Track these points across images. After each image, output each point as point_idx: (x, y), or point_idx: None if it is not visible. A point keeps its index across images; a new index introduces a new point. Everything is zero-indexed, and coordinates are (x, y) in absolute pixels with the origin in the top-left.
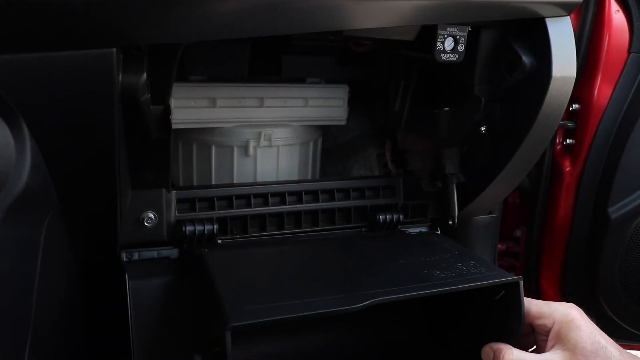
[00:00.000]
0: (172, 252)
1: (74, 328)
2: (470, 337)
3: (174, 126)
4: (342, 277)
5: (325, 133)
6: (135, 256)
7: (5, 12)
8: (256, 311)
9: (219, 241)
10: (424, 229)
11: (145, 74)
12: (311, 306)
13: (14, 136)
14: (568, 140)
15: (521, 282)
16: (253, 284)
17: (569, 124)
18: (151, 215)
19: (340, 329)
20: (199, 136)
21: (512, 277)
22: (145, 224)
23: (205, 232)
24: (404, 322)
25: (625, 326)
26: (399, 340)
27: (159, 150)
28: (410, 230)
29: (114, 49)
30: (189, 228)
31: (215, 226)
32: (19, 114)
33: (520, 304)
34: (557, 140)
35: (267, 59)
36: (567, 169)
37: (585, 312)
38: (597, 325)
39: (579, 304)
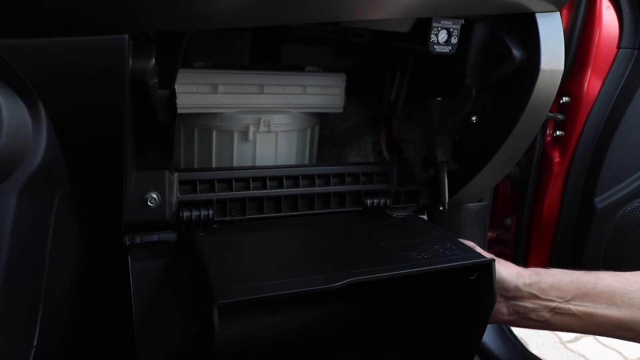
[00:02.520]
0: (172, 236)
1: (79, 304)
2: (450, 314)
3: None
4: (324, 258)
5: (323, 120)
6: (137, 239)
7: (28, 1)
8: (241, 290)
9: (215, 226)
10: (410, 213)
11: (153, 60)
12: (292, 285)
13: (32, 116)
14: (558, 132)
15: (494, 264)
16: (241, 265)
17: (559, 116)
18: (154, 195)
19: (327, 307)
20: (201, 121)
21: (484, 259)
22: (149, 204)
23: (202, 216)
24: (388, 300)
25: None
26: (384, 317)
27: (164, 132)
28: (397, 214)
29: (126, 35)
30: (186, 214)
31: (210, 211)
32: (37, 95)
33: (492, 283)
34: (548, 132)
35: (268, 48)
36: (557, 160)
37: None
38: None
39: None
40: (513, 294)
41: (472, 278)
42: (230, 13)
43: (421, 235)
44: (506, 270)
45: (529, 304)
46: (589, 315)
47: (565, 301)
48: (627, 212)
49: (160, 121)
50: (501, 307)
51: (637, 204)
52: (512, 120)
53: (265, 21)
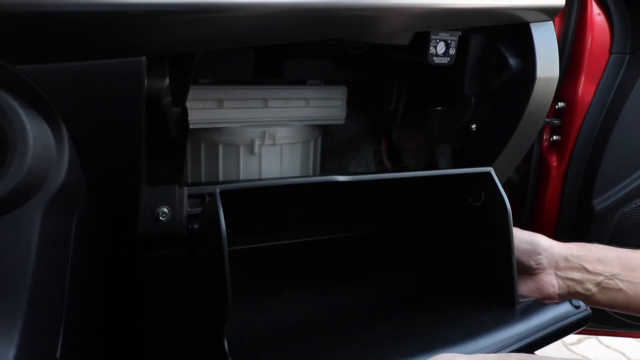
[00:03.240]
0: (183, 249)
1: (96, 317)
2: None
3: None
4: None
5: (325, 132)
6: (150, 253)
7: (54, 28)
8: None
9: None
10: None
11: (167, 79)
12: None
13: (55, 136)
14: (554, 137)
15: (492, 171)
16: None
17: (555, 121)
18: (165, 209)
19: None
20: (207, 136)
21: (482, 168)
22: (160, 218)
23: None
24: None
25: (612, 314)
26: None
27: (176, 148)
28: None
29: (143, 57)
30: (196, 227)
31: None
32: (59, 116)
33: (499, 191)
34: (544, 137)
35: (271, 63)
36: (554, 164)
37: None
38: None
39: None
40: (563, 265)
41: (479, 204)
42: (240, 33)
43: None
44: (553, 243)
45: (577, 275)
46: (635, 290)
47: (611, 275)
48: (625, 213)
49: (173, 137)
50: (552, 280)
51: (634, 205)
52: (510, 127)
53: (272, 40)
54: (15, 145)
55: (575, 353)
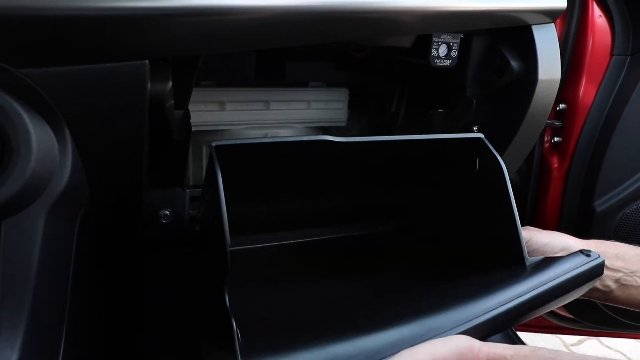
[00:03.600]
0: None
1: (98, 319)
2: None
3: None
4: None
5: (326, 134)
6: (153, 255)
7: (57, 32)
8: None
9: None
10: None
11: (170, 82)
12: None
13: (58, 140)
14: (556, 138)
15: (484, 138)
16: None
17: (557, 123)
18: (167, 212)
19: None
20: (209, 138)
21: (474, 134)
22: (163, 220)
23: None
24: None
25: (613, 315)
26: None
27: (178, 150)
28: None
29: (147, 61)
30: (197, 229)
31: None
32: (63, 119)
33: (493, 155)
34: (546, 139)
35: (272, 65)
36: (555, 166)
37: (571, 305)
38: (585, 315)
39: None
40: None
41: (475, 172)
42: (244, 36)
43: None
44: (570, 240)
45: None
46: None
47: (630, 272)
48: (626, 215)
49: (175, 140)
50: None
51: (635, 206)
52: (512, 129)
53: (276, 43)
54: (18, 149)
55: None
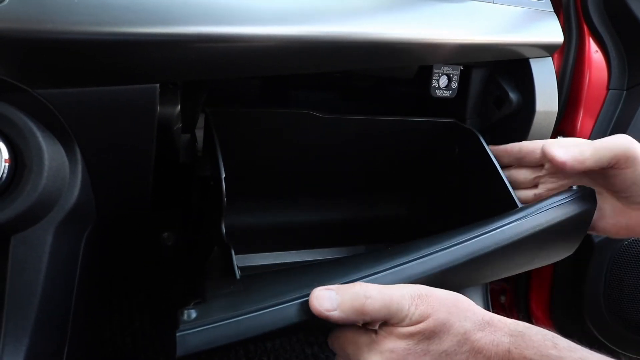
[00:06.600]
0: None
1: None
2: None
3: None
4: None
5: None
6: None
7: (73, 55)
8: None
9: None
10: None
11: (179, 106)
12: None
13: (69, 158)
14: None
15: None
16: None
17: None
18: (170, 233)
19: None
20: None
21: (447, 119)
22: (166, 242)
23: None
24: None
25: (612, 346)
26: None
27: (183, 173)
28: None
29: (157, 85)
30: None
31: None
32: (74, 139)
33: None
34: None
35: (276, 93)
36: None
37: (573, 336)
38: (583, 345)
39: (567, 326)
40: None
41: (456, 152)
42: (251, 64)
43: None
44: None
45: None
46: None
47: None
48: (624, 247)
49: (181, 163)
50: None
51: (633, 238)
52: None
53: (283, 70)
54: (31, 166)
55: None
